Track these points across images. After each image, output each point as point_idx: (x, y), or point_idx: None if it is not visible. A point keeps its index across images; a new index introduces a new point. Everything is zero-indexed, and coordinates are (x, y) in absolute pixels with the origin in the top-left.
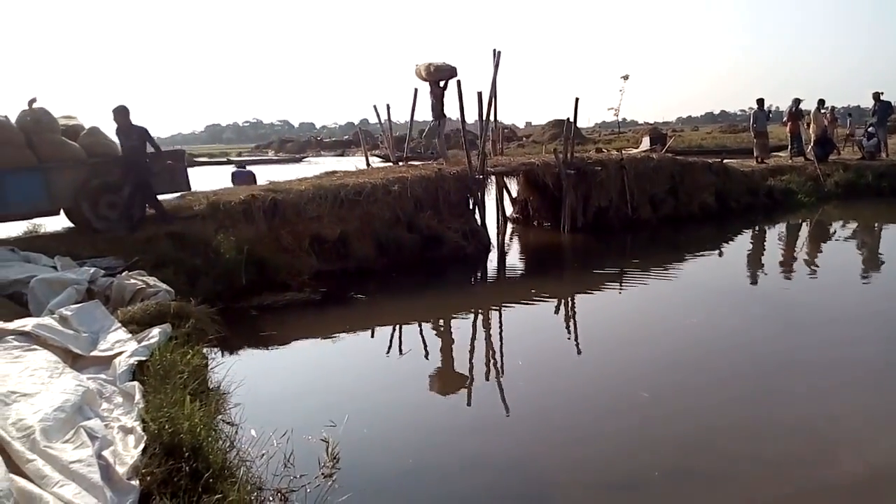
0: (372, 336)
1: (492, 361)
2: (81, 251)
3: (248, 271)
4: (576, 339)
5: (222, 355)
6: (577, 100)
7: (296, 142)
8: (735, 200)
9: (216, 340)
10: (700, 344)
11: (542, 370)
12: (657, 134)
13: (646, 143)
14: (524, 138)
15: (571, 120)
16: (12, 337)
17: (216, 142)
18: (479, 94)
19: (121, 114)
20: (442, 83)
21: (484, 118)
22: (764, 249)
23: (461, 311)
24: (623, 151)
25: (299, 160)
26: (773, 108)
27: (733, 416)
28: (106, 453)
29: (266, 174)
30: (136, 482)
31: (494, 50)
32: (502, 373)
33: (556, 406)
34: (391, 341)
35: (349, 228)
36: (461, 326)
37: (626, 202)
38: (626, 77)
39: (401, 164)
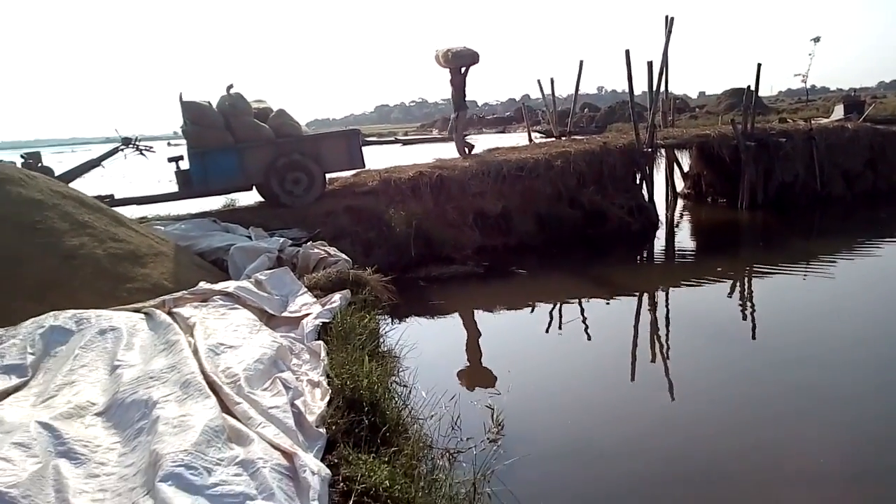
0: (532, 311)
1: (656, 343)
2: (271, 223)
3: (416, 244)
4: (752, 323)
5: (392, 322)
6: (759, 66)
7: None
8: None
9: (388, 307)
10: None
11: (710, 354)
12: (853, 101)
13: (839, 112)
14: (697, 109)
15: (752, 88)
16: (218, 297)
17: (384, 122)
18: (650, 64)
19: None
20: (463, 70)
21: (654, 89)
22: None
23: (625, 290)
24: (812, 121)
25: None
26: None
27: None
28: (298, 402)
29: (432, 152)
30: (323, 430)
31: (667, 16)
32: (668, 355)
33: (724, 391)
34: (551, 317)
35: (511, 204)
36: (625, 306)
37: (815, 177)
38: (818, 39)
39: (563, 138)
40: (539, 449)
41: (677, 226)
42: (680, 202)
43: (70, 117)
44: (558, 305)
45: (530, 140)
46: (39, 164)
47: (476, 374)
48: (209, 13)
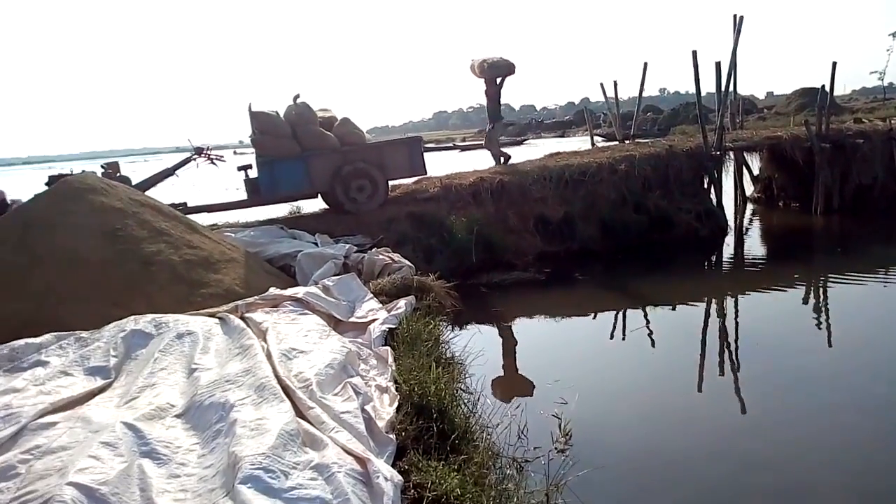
0: (594, 318)
1: (725, 353)
2: (335, 229)
3: (477, 250)
4: (827, 333)
5: (455, 328)
6: (834, 64)
7: (517, 125)
8: None
9: (452, 314)
10: None
11: (782, 365)
12: None
13: None
14: (765, 110)
15: (826, 87)
16: (288, 303)
17: (443, 128)
18: (718, 65)
19: None
20: (498, 80)
21: (723, 90)
22: None
23: (692, 298)
24: (891, 121)
25: (520, 142)
26: None
27: None
28: (367, 408)
29: (491, 159)
30: (392, 436)
31: (735, 15)
32: (737, 365)
33: (798, 403)
34: (615, 324)
35: (573, 209)
36: (692, 314)
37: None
38: None
39: (627, 142)
40: (609, 460)
41: (747, 231)
42: (749, 207)
43: (141, 128)
44: (622, 313)
45: (593, 144)
46: (118, 174)
47: (540, 382)
48: (268, 24)
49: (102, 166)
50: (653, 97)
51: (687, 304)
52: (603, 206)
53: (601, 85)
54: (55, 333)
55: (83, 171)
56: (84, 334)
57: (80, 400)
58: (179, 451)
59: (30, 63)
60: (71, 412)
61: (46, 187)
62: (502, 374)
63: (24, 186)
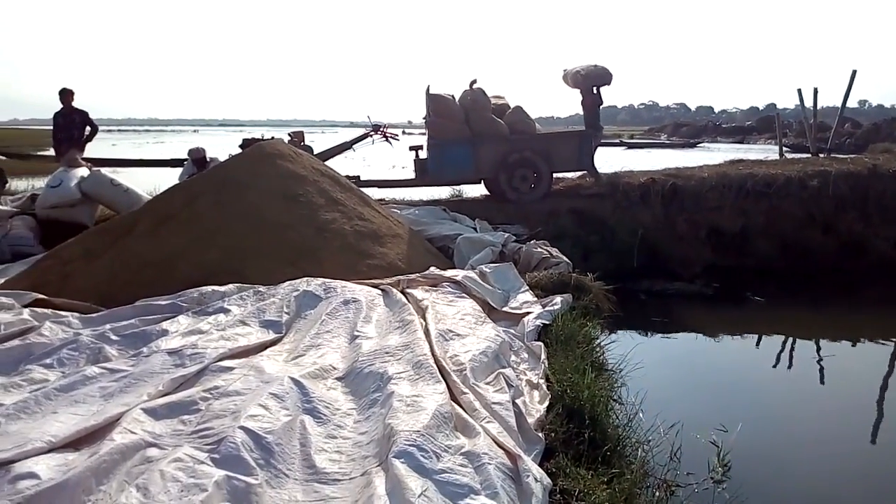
0: (760, 343)
1: None
2: (494, 217)
3: (639, 255)
4: None
5: (609, 333)
6: None
7: (691, 126)
8: None
9: (609, 318)
10: None
11: None
12: None
13: None
14: None
15: None
16: (447, 284)
17: (610, 123)
18: None
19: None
20: (595, 90)
21: None
22: None
23: (878, 335)
24: None
25: (693, 145)
26: None
27: None
28: (518, 402)
29: (659, 158)
30: (541, 435)
31: None
32: None
33: None
34: (781, 351)
35: (752, 223)
36: (875, 353)
37: None
38: None
39: (822, 155)
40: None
41: None
42: None
43: (320, 101)
44: (793, 341)
45: (781, 154)
46: (302, 143)
47: (698, 403)
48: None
49: (289, 135)
50: (851, 109)
51: (871, 342)
52: (787, 223)
53: (798, 91)
54: (237, 284)
55: (273, 138)
56: (262, 289)
57: (253, 350)
58: (338, 414)
59: (229, 35)
60: (246, 360)
61: (240, 149)
62: (656, 387)
63: (220, 146)
